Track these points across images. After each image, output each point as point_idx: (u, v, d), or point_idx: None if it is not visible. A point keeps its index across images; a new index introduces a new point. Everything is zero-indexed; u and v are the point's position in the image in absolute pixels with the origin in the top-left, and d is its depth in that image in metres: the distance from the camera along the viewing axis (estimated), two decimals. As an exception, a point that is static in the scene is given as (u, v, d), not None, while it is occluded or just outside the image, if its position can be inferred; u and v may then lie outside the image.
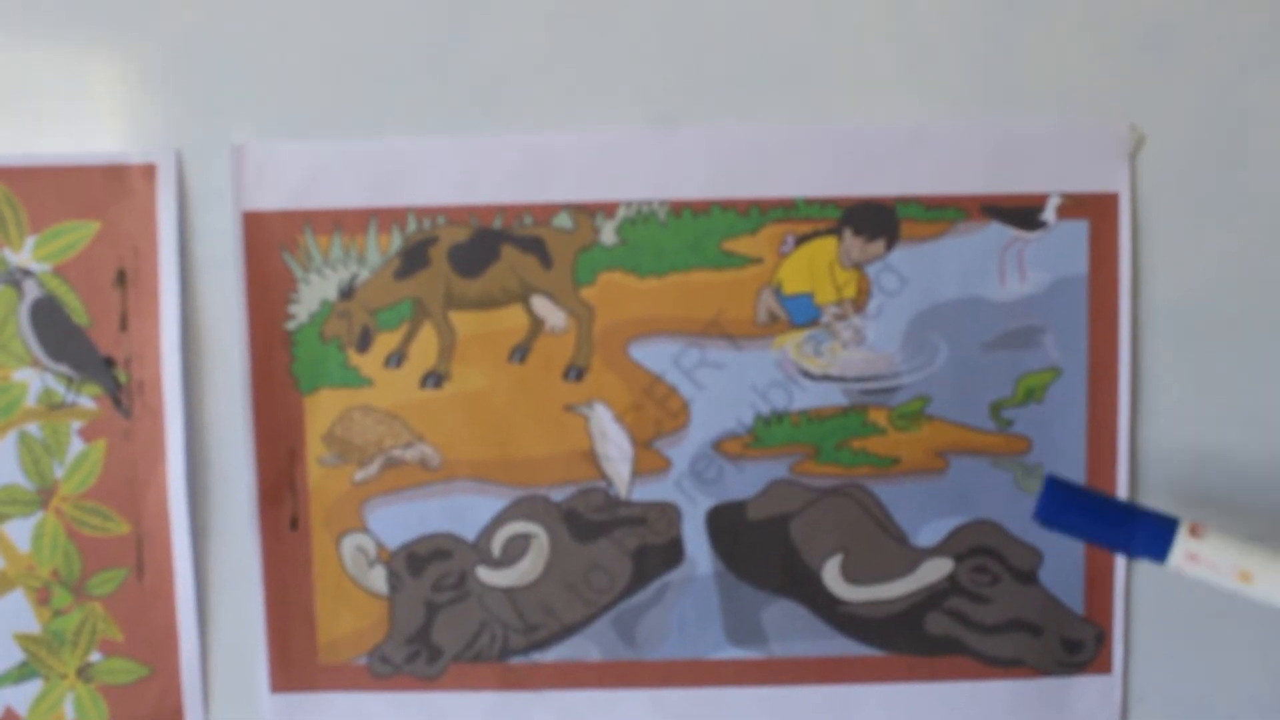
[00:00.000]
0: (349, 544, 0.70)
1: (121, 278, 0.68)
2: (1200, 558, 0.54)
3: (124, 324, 0.69)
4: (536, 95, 0.67)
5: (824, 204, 0.67)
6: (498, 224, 0.68)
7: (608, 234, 0.68)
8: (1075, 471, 0.68)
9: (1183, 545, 0.54)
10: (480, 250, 0.68)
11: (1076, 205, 0.67)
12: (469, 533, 0.69)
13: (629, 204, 0.67)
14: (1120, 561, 0.69)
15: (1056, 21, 0.66)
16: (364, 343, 0.68)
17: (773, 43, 0.67)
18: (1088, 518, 0.56)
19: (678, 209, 0.67)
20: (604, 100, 0.67)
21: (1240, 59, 0.67)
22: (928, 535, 0.69)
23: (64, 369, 0.69)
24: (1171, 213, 0.68)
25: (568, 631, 0.70)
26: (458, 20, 0.67)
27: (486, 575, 0.70)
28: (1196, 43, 0.66)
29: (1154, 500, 0.69)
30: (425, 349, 0.68)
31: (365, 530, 0.69)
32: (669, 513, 0.69)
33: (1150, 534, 0.55)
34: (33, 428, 0.69)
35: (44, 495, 0.70)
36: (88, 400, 0.69)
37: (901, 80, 0.67)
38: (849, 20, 0.66)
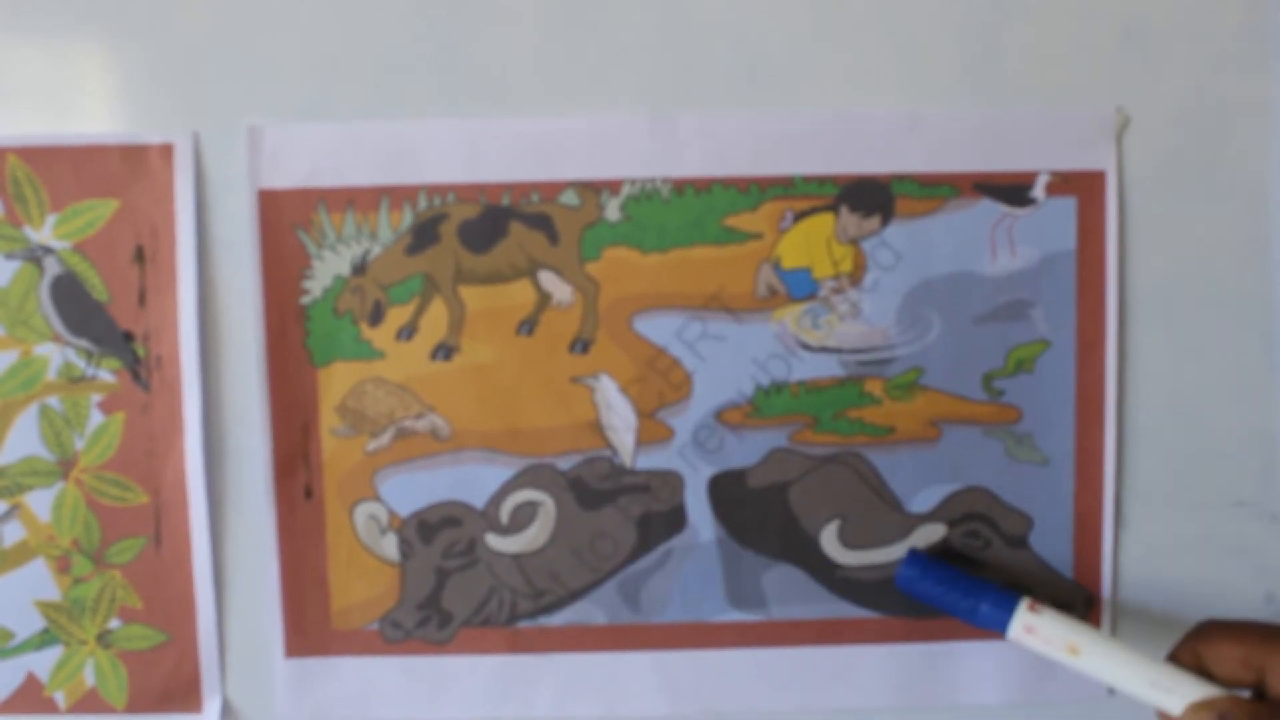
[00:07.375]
0: (362, 512, 0.71)
1: (140, 255, 0.70)
2: (1036, 631, 0.64)
3: (142, 300, 0.71)
4: (540, 81, 0.69)
5: (821, 181, 0.69)
6: (506, 201, 0.70)
7: (612, 211, 0.70)
8: (1065, 438, 0.71)
9: (1021, 619, 0.64)
10: (489, 227, 0.70)
11: (1065, 183, 0.70)
12: (478, 501, 0.71)
13: (633, 182, 0.69)
14: (1108, 529, 0.71)
15: (1044, 14, 0.69)
16: (376, 317, 0.70)
17: (770, 34, 0.69)
18: (942, 588, 0.66)
19: (680, 187, 0.69)
20: (604, 88, 0.69)
21: (1220, 47, 0.69)
22: (921, 502, 0.71)
23: (84, 344, 0.71)
24: (1156, 192, 0.70)
25: (574, 596, 0.72)
26: (465, 10, 0.69)
27: (495, 542, 0.72)
28: (1178, 32, 0.69)
29: (1141, 465, 0.71)
30: (435, 322, 0.70)
31: (377, 499, 0.71)
32: (672, 481, 0.71)
33: (993, 608, 0.65)
34: (53, 401, 0.71)
35: (64, 466, 0.71)
36: (107, 374, 0.71)
37: (895, 71, 0.69)
38: (843, 14, 0.69)
